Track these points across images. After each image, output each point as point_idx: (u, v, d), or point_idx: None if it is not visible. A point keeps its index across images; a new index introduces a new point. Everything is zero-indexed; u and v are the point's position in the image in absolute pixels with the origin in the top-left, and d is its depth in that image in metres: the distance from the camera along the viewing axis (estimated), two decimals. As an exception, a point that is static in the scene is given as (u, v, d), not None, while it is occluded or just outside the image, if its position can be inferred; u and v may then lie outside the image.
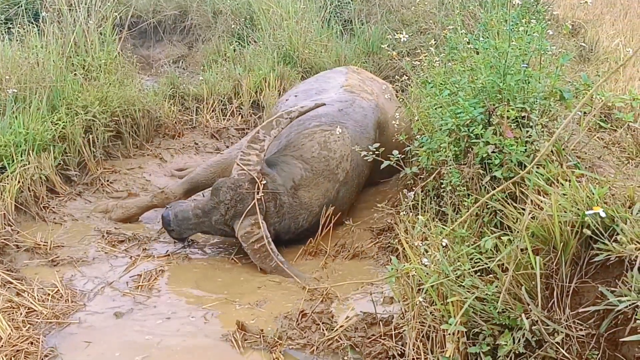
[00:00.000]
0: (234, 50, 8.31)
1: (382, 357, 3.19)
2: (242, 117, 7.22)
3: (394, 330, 3.26)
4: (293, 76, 7.54)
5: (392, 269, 3.17)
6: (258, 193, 4.21)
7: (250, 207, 4.20)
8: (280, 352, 3.24)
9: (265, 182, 4.27)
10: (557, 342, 2.43)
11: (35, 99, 5.26)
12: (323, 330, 3.41)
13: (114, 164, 5.88)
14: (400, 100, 5.32)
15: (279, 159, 4.62)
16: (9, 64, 5.42)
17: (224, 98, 7.25)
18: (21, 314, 3.54)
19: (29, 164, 4.79)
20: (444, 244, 3.07)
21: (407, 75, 4.75)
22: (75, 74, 5.97)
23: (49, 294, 3.77)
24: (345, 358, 3.19)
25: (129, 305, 3.74)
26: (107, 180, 5.52)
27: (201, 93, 7.21)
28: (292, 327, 3.46)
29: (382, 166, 3.98)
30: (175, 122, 6.86)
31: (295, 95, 5.66)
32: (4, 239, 4.21)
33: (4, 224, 4.37)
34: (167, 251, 4.39)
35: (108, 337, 3.44)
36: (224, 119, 7.14)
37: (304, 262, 4.32)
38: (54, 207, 4.92)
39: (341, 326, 3.40)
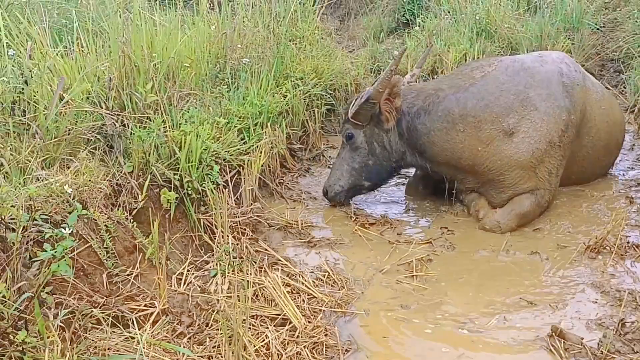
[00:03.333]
0: (423, 21, 7.83)
1: None
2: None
3: None
4: (494, 52, 6.97)
5: None
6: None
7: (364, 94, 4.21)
8: (617, 368, 2.76)
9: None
10: None
11: (265, 69, 5.03)
12: (659, 347, 2.89)
13: (329, 139, 5.63)
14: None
15: None
16: (236, 33, 5.22)
17: (423, 72, 6.78)
18: (303, 300, 3.29)
19: (267, 137, 4.57)
20: None
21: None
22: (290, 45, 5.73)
23: (320, 279, 3.50)
24: None
25: (411, 297, 3.37)
26: (330, 156, 5.25)
27: (401, 67, 6.79)
28: (616, 338, 2.97)
29: None
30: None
31: None
32: (257, 216, 4.01)
33: (251, 199, 4.18)
34: (430, 238, 4.01)
35: (403, 332, 3.10)
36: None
37: (586, 261, 3.77)
38: (288, 183, 4.70)
39: (688, 346, 2.87)
